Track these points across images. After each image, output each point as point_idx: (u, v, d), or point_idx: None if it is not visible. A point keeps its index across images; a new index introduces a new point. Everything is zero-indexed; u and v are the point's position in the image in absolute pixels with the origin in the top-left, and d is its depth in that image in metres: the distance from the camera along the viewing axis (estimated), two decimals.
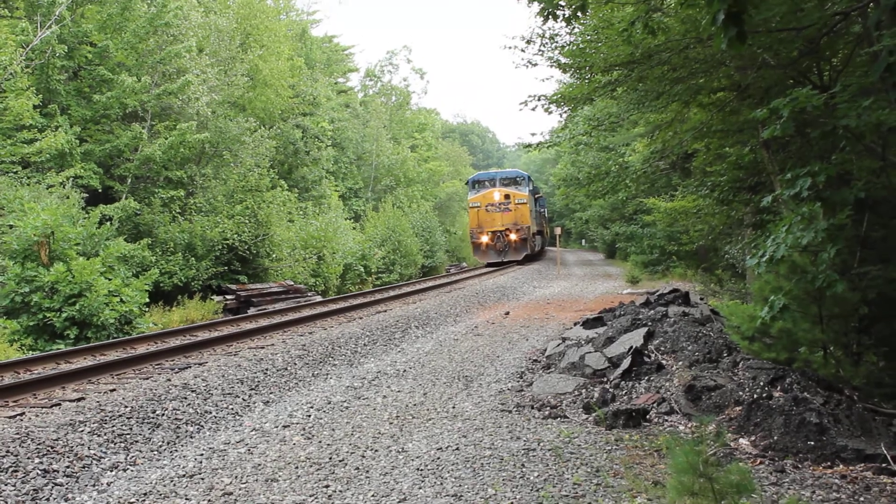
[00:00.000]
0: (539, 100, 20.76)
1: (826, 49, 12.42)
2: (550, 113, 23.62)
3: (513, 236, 49.94)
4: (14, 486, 7.98)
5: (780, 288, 9.31)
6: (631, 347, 12.25)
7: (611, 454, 8.45)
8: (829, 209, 8.68)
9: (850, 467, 7.95)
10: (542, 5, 12.22)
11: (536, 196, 63.19)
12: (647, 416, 9.92)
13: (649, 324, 13.79)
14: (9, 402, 11.05)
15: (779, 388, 9.84)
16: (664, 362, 11.82)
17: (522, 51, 20.92)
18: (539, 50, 20.39)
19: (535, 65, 21.90)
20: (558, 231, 51.30)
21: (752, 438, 8.79)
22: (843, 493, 7.28)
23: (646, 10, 10.49)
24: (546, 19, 12.25)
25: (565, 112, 25.29)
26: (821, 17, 11.07)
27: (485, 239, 50.37)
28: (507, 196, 50.49)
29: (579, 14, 11.33)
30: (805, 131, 11.00)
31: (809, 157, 11.23)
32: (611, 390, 11.06)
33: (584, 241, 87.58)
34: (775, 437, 8.60)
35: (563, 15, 12.38)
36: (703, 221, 26.01)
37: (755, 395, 9.60)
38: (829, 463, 8.06)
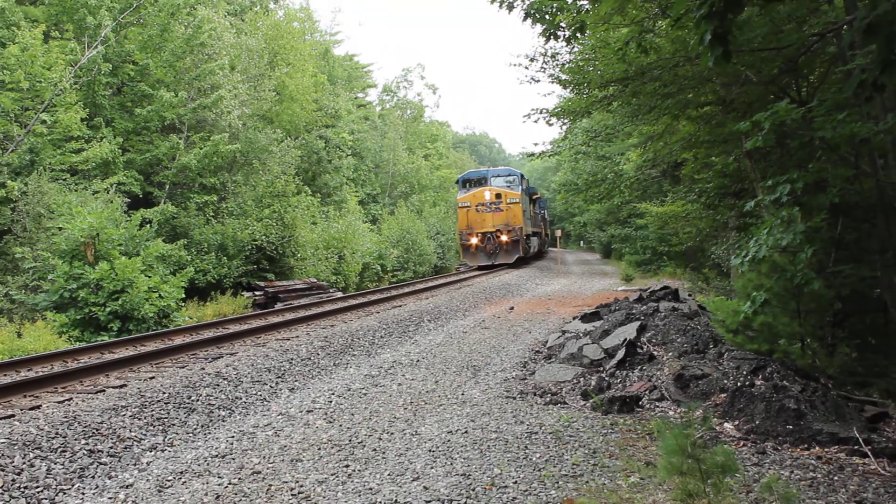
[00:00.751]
0: (541, 113, 20.82)
1: (804, 67, 12.42)
2: (552, 125, 23.62)
3: (504, 238, 43.50)
4: (63, 464, 8.02)
5: (762, 285, 9.33)
6: (625, 339, 12.25)
7: (607, 437, 8.45)
8: (806, 213, 8.69)
9: (826, 449, 7.95)
10: (544, 27, 12.26)
11: (534, 197, 58.41)
12: (640, 403, 9.92)
13: (642, 318, 13.79)
14: (58, 389, 11.08)
15: (760, 376, 9.84)
16: (655, 353, 11.82)
17: (526, 68, 20.96)
18: (541, 67, 20.43)
19: (538, 81, 21.96)
20: (559, 233, 51.00)
21: (736, 423, 8.79)
22: (819, 472, 7.28)
23: (639, 32, 10.49)
24: (548, 39, 12.31)
25: (565, 124, 25.34)
26: (799, 37, 11.08)
27: (474, 240, 44.05)
28: (498, 195, 44.18)
29: (578, 35, 11.37)
30: (784, 142, 10.99)
31: (788, 165, 11.22)
32: (607, 379, 11.07)
33: (582, 242, 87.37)
34: (757, 422, 8.60)
35: (564, 35, 12.42)
36: (692, 224, 25.99)
37: (739, 384, 9.60)
38: (806, 445, 8.07)
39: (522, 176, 47.60)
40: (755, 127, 8.37)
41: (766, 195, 8.83)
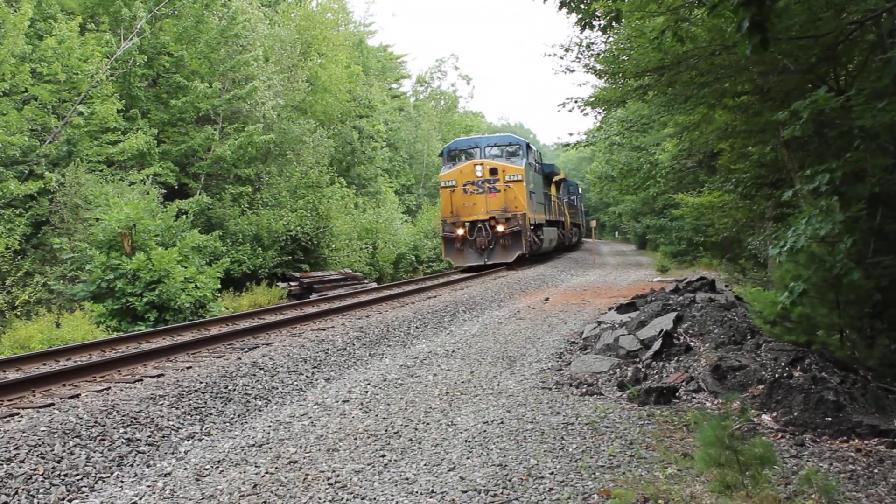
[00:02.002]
0: (576, 102, 20.76)
1: (842, 55, 12.29)
2: (586, 115, 23.59)
3: (500, 228, 32.49)
4: (102, 453, 8.10)
5: (800, 276, 9.25)
6: (661, 330, 12.20)
7: (643, 428, 8.43)
8: (845, 203, 8.61)
9: (865, 442, 7.89)
10: (579, 16, 12.21)
11: (556, 178, 47.37)
12: (677, 394, 9.88)
13: (678, 309, 13.72)
14: (96, 378, 11.19)
15: (798, 368, 9.77)
16: (692, 344, 11.76)
17: (561, 58, 20.95)
18: (576, 57, 20.41)
19: (573, 71, 21.91)
20: (594, 224, 50.71)
21: (774, 414, 8.74)
22: (859, 465, 7.22)
23: (675, 20, 10.40)
24: (583, 29, 12.25)
25: (600, 114, 25.30)
26: (838, 25, 10.96)
27: (460, 232, 32.88)
28: (493, 171, 33.14)
29: (614, 24, 11.30)
30: (823, 131, 10.90)
31: (827, 155, 11.14)
32: (643, 370, 11.03)
33: (617, 233, 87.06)
34: (795, 414, 8.55)
35: (599, 25, 12.36)
36: (728, 215, 25.86)
37: (777, 375, 9.54)
38: (845, 437, 8.01)
39: (529, 146, 35.94)
40: (793, 116, 8.29)
41: (804, 185, 8.76)
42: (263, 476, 7.35)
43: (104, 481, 7.62)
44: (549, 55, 22.12)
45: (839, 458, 7.42)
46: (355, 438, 8.50)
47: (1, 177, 23.77)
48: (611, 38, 18.53)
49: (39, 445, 7.88)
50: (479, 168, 33.37)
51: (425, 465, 7.41)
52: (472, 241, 33.23)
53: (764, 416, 8.75)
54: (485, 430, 8.52)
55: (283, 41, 39.23)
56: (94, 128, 27.13)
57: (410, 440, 8.32)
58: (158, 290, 19.59)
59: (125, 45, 29.16)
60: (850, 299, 9.84)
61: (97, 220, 21.60)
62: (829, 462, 7.30)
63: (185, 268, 20.96)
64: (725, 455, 6.01)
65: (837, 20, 11.07)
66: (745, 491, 5.95)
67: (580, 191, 69.70)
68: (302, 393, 11.28)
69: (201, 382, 10.73)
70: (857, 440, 7.94)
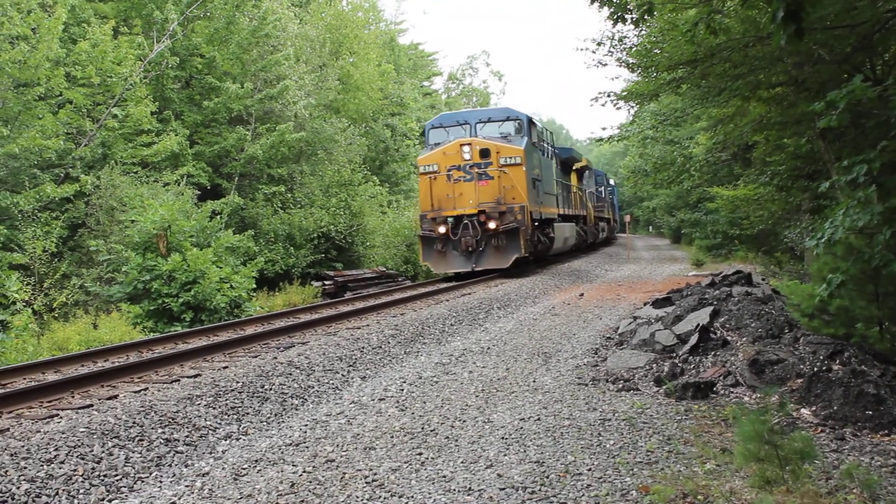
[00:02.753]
0: (608, 96, 20.75)
1: (879, 44, 12.20)
2: (619, 108, 23.70)
3: (492, 225, 26.04)
4: (140, 453, 8.15)
5: (838, 268, 9.16)
6: (698, 325, 12.13)
7: (681, 424, 8.38)
8: (883, 193, 8.51)
9: None
10: (611, 10, 12.16)
11: (578, 166, 41.59)
12: (714, 389, 9.83)
13: (714, 303, 13.64)
14: (134, 379, 11.26)
15: (838, 361, 9.68)
16: (729, 338, 11.69)
17: (593, 52, 20.96)
18: (609, 51, 20.40)
19: (605, 65, 21.99)
20: (628, 219, 50.48)
21: (813, 408, 8.66)
22: None
23: (708, 12, 10.34)
24: (616, 22, 12.20)
25: (633, 107, 25.29)
26: (874, 14, 10.87)
27: (442, 230, 26.41)
28: (485, 152, 26.59)
29: (646, 17, 11.26)
30: (860, 122, 10.80)
31: (864, 146, 11.02)
32: (680, 364, 10.97)
33: (651, 227, 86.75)
34: (835, 408, 8.47)
35: (632, 18, 12.31)
36: (764, 208, 25.75)
37: (815, 368, 9.45)
38: (886, 431, 7.92)
39: (532, 122, 29.38)
40: (829, 107, 8.21)
41: (840, 176, 8.68)
42: (301, 475, 7.37)
43: (143, 481, 7.67)
44: (582, 49, 21.86)
45: (880, 451, 7.34)
46: (392, 437, 8.51)
47: (38, 180, 24.02)
48: (643, 32, 18.46)
49: (79, 446, 7.95)
50: (466, 149, 26.41)
51: (462, 462, 7.41)
52: (457, 241, 26.37)
53: (803, 410, 8.68)
54: (521, 427, 8.50)
55: (312, 40, 39.35)
56: (128, 130, 27.37)
57: (447, 438, 8.32)
58: (194, 290, 19.70)
59: (158, 48, 29.37)
60: (889, 291, 9.73)
61: (132, 221, 21.75)
62: (870, 456, 7.23)
63: (220, 268, 21.06)
64: (765, 450, 5.97)
65: (873, 9, 10.97)
66: (786, 486, 5.90)
67: (612, 183, 68.40)
68: (338, 391, 11.31)
69: (238, 382, 10.78)
70: None
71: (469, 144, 26.43)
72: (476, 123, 28.01)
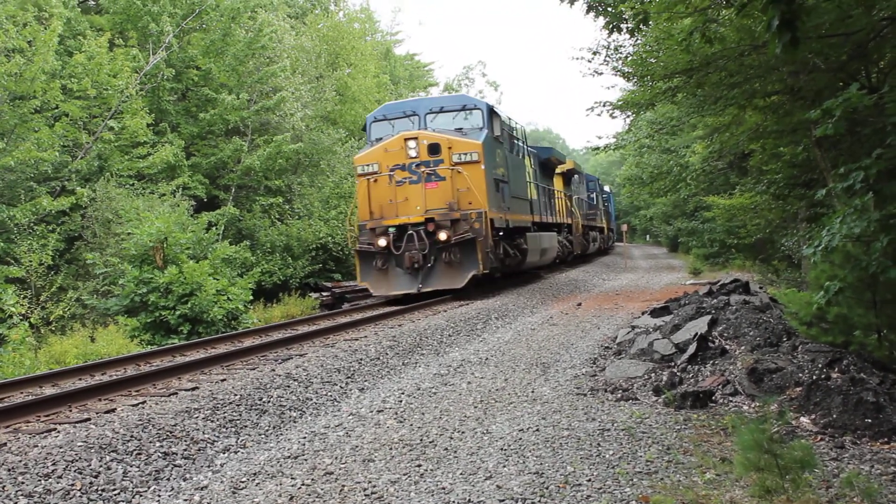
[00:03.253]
0: (604, 105, 20.80)
1: (874, 52, 12.23)
2: (615, 118, 23.64)
3: (442, 235, 21.92)
4: (138, 467, 8.13)
5: (836, 276, 9.17)
6: (696, 334, 12.13)
7: (680, 433, 8.38)
8: (880, 201, 8.52)
9: None
10: (607, 19, 12.20)
11: (560, 169, 37.77)
12: (713, 398, 9.82)
13: (713, 312, 13.64)
14: (131, 392, 11.24)
15: (836, 369, 9.69)
16: (727, 347, 11.69)
17: (589, 61, 20.99)
18: (604, 60, 20.43)
19: (601, 74, 21.95)
20: (625, 228, 50.51)
21: (813, 417, 8.66)
22: None
23: (703, 21, 10.36)
24: (611, 32, 12.28)
25: (629, 116, 25.32)
26: (868, 22, 10.91)
27: (383, 242, 22.30)
28: (434, 148, 22.54)
29: (641, 26, 11.28)
30: (856, 130, 10.82)
31: (860, 153, 11.04)
32: (678, 374, 10.97)
33: (648, 236, 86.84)
34: (834, 416, 8.47)
35: (627, 27, 12.35)
36: (760, 216, 25.80)
37: (814, 377, 9.46)
38: (886, 439, 7.93)
39: (494, 112, 24.60)
40: (825, 115, 8.23)
41: (837, 183, 8.70)
42: (300, 488, 7.36)
43: (141, 496, 7.65)
44: (577, 58, 21.49)
45: (880, 459, 7.34)
46: (390, 448, 8.49)
47: (34, 193, 24.04)
48: (638, 41, 18.51)
49: (77, 461, 7.92)
50: (412, 144, 22.32)
51: (461, 474, 7.39)
52: (400, 256, 22.00)
53: (802, 419, 8.67)
54: (520, 438, 8.49)
55: (307, 52, 39.42)
56: (124, 142, 27.42)
57: (446, 449, 8.31)
58: (191, 302, 19.70)
59: (154, 60, 29.43)
60: (887, 298, 9.73)
61: (129, 234, 21.76)
62: (870, 464, 7.22)
63: (217, 280, 21.07)
64: (765, 459, 5.96)
65: (868, 17, 11.01)
66: (786, 495, 5.90)
67: (607, 189, 67.13)
68: (336, 403, 11.29)
69: (236, 395, 10.76)
70: None
71: (415, 139, 22.37)
72: (426, 114, 23.66)
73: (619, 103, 21.18)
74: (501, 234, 24.24)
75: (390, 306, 22.11)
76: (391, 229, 22.12)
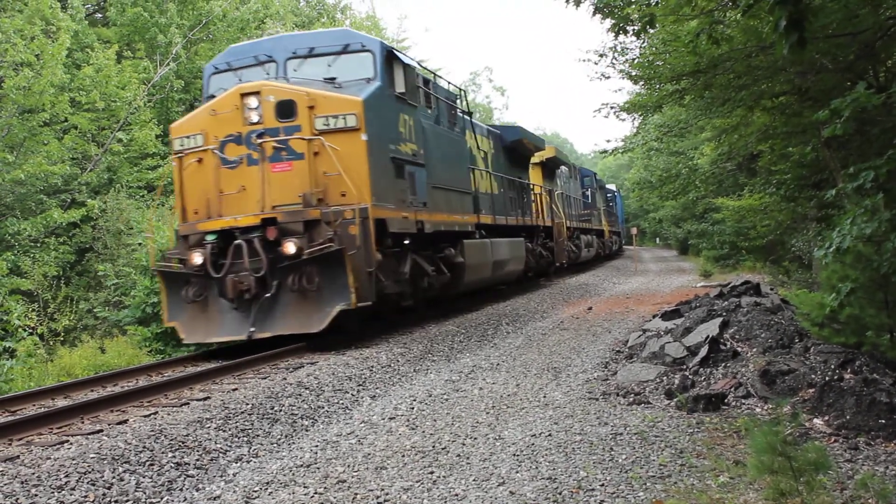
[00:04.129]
0: (611, 108, 20.83)
1: (881, 51, 12.21)
2: (623, 120, 23.75)
3: (290, 246, 13.55)
4: (151, 478, 8.11)
5: (847, 276, 9.14)
6: (707, 336, 12.09)
7: (693, 436, 8.35)
8: (891, 201, 8.49)
9: None
10: (613, 21, 12.20)
11: (539, 157, 31.45)
12: (726, 400, 9.78)
13: (724, 314, 13.60)
14: (143, 403, 11.22)
15: (849, 370, 9.65)
16: (739, 349, 11.65)
17: (596, 63, 21.03)
18: (611, 63, 20.45)
19: (608, 77, 21.95)
20: (634, 231, 50.33)
21: (826, 418, 8.62)
22: None
23: (710, 23, 10.37)
24: (617, 34, 12.27)
25: (636, 119, 25.33)
26: (875, 21, 10.89)
27: (198, 259, 14.12)
28: (286, 107, 14.32)
29: (648, 28, 11.28)
30: (865, 129, 10.79)
31: (869, 153, 11.01)
32: (690, 377, 10.93)
33: (658, 239, 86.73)
34: (848, 417, 8.43)
35: (633, 29, 12.35)
36: (770, 217, 25.79)
37: (827, 378, 9.42)
38: None
39: (392, 55, 16.53)
40: (834, 115, 8.20)
41: (847, 183, 8.67)
42: (312, 496, 7.34)
43: None
44: (584, 61, 20.51)
45: (895, 460, 7.30)
46: (403, 455, 8.47)
47: (44, 206, 24.11)
48: (645, 44, 18.52)
49: (89, 472, 7.91)
50: (252, 102, 14.40)
51: (474, 480, 7.37)
52: (222, 279, 14.08)
53: (816, 421, 8.64)
54: (533, 443, 8.47)
55: None
56: (133, 154, 27.47)
57: (458, 456, 8.28)
58: None
59: (162, 71, 29.54)
60: None
61: (140, 244, 21.79)
62: (884, 465, 7.18)
63: None
64: (778, 461, 5.93)
65: (875, 16, 10.99)
66: (801, 497, 5.86)
67: (612, 188, 65.82)
68: (348, 411, 11.27)
69: (247, 404, 10.74)
70: None
71: (256, 94, 14.36)
72: (288, 60, 15.79)
73: (627, 105, 21.21)
74: (409, 242, 16.75)
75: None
76: (209, 238, 14.34)
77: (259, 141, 14.26)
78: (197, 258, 14.16)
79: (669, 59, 16.25)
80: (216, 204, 14.64)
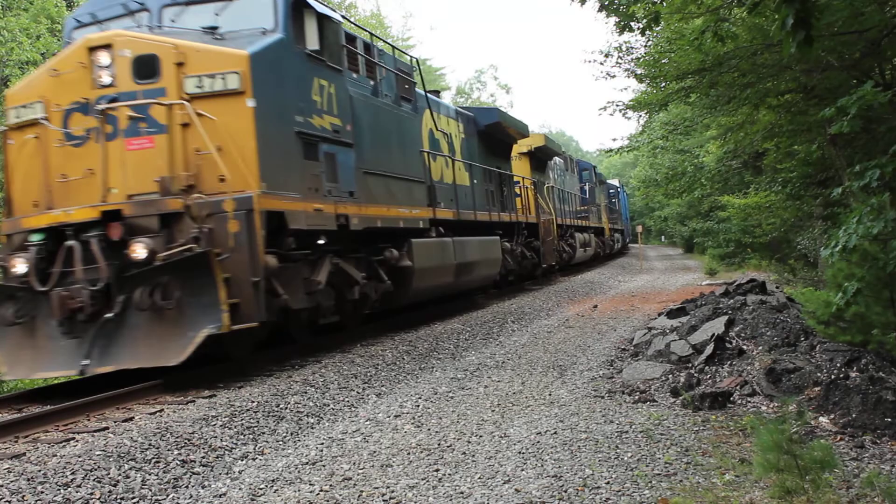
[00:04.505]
0: (616, 106, 20.80)
1: (887, 49, 12.20)
2: (629, 118, 23.65)
3: (140, 249, 10.11)
4: (157, 475, 8.11)
5: (853, 275, 9.12)
6: (713, 334, 12.08)
7: (698, 434, 8.33)
8: None
9: None
10: (618, 19, 12.20)
11: (529, 146, 28.89)
12: (731, 399, 9.77)
13: (729, 312, 13.60)
14: (149, 400, 11.20)
15: (855, 368, 9.65)
16: (745, 347, 11.64)
17: (601, 63, 21.00)
18: (616, 62, 20.43)
19: (614, 76, 21.91)
20: (640, 229, 50.25)
21: (832, 416, 8.61)
22: None
23: (715, 20, 10.36)
24: (622, 32, 12.28)
25: (642, 117, 25.31)
26: (881, 19, 10.89)
27: (21, 266, 10.66)
28: (145, 65, 10.80)
29: (653, 25, 11.26)
30: (871, 127, 10.79)
31: (875, 151, 11.00)
32: (696, 375, 10.92)
33: (663, 237, 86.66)
34: (854, 415, 8.41)
35: (638, 27, 12.35)
36: (776, 215, 25.79)
37: (833, 376, 9.41)
38: None
39: (303, 2, 12.56)
40: (840, 113, 8.19)
41: (853, 181, 8.66)
42: (318, 494, 7.34)
43: (160, 503, 7.65)
44: (589, 61, 19.92)
45: None
46: (408, 453, 8.47)
47: None
48: (650, 42, 18.52)
49: (95, 469, 7.92)
50: (103, 59, 10.90)
51: (479, 478, 7.37)
52: (46, 290, 10.61)
53: (821, 419, 8.62)
54: (538, 441, 8.46)
55: None
56: None
57: (464, 453, 8.28)
58: None
59: None
60: None
61: None
62: (890, 464, 7.17)
63: None
64: (784, 459, 5.92)
65: (881, 14, 10.98)
66: (806, 496, 5.86)
67: (615, 183, 64.54)
68: (353, 409, 11.26)
69: (253, 401, 10.74)
70: None
71: (108, 48, 10.97)
72: (163, 7, 12.26)
73: (632, 103, 21.18)
74: (324, 242, 13.37)
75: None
76: (34, 238, 11.05)
77: (101, 107, 10.83)
78: (19, 266, 10.82)
79: (675, 57, 16.24)
80: (59, 193, 11.21)
